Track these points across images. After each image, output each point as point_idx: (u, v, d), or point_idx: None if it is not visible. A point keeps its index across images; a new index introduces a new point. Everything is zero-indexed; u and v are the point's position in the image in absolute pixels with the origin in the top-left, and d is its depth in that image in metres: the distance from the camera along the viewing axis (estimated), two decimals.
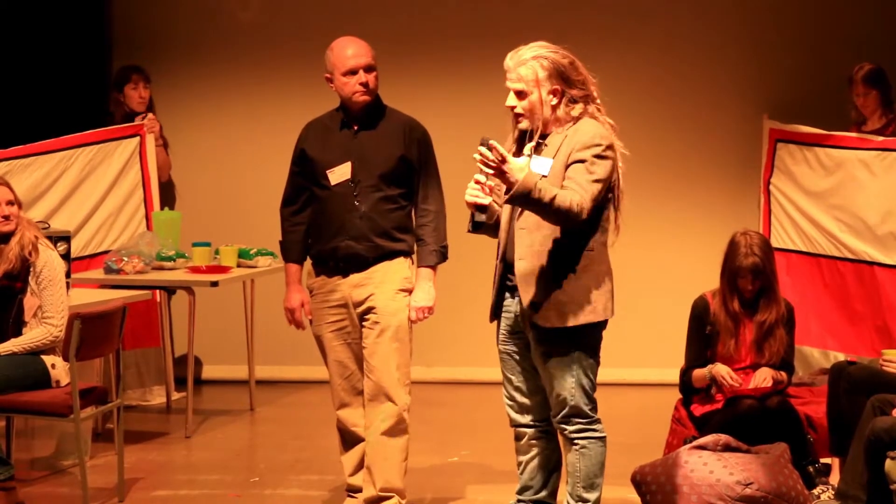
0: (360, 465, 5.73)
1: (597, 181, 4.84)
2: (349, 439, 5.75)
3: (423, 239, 5.65)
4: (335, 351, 5.69)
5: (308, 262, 5.77)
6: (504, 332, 5.13)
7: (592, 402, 5.04)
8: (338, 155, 5.63)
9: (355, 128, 5.64)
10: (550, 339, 4.95)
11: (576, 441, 5.02)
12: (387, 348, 5.56)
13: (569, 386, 4.97)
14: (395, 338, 5.57)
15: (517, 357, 5.11)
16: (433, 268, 5.64)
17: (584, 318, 4.93)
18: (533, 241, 4.92)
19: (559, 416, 5.02)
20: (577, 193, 4.78)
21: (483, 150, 4.67)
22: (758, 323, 6.07)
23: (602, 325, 5.03)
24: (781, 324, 6.08)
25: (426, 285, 5.62)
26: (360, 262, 5.59)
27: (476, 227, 5.01)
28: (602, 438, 5.05)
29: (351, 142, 5.63)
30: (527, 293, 4.93)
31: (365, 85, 5.56)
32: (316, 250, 5.69)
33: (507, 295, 5.07)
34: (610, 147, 4.89)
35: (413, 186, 5.66)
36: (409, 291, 5.63)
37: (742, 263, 6.01)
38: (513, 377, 5.15)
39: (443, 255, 5.66)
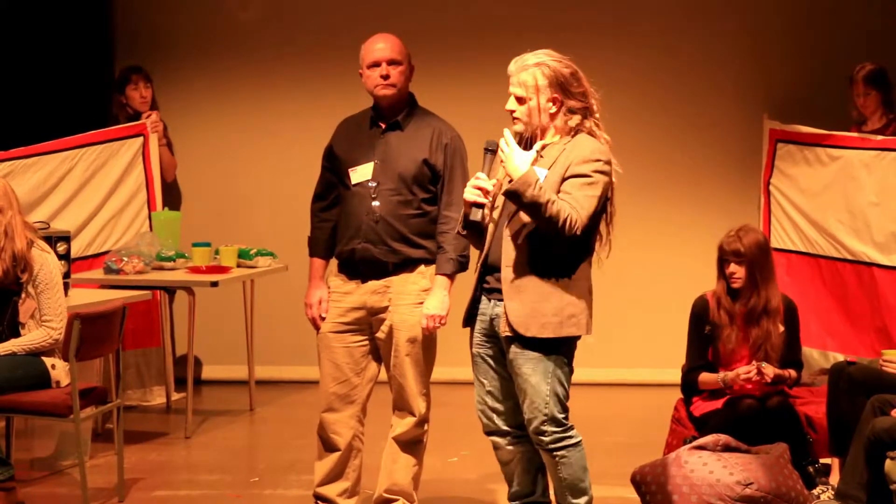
0: (332, 476, 5.62)
1: (594, 197, 4.83)
2: (327, 445, 5.62)
3: (443, 246, 5.48)
4: (333, 352, 5.58)
5: (334, 260, 5.66)
6: (479, 334, 5.06)
7: (566, 410, 4.96)
8: (362, 154, 5.53)
9: (382, 126, 5.54)
10: (529, 347, 4.90)
11: (555, 453, 4.95)
12: (405, 362, 5.50)
13: (544, 394, 4.90)
14: (414, 351, 5.49)
15: (491, 361, 5.06)
16: (450, 276, 5.48)
17: (567, 330, 4.88)
18: (522, 248, 4.88)
19: (533, 427, 4.93)
20: (574, 209, 4.77)
21: (479, 182, 4.81)
22: (742, 314, 6.09)
23: (579, 336, 4.99)
24: (771, 316, 6.09)
25: (440, 293, 5.46)
26: (379, 269, 5.50)
27: (468, 226, 4.94)
28: (578, 443, 4.97)
29: (376, 141, 5.52)
30: (512, 301, 4.88)
31: (385, 77, 5.45)
32: (338, 250, 5.60)
33: (483, 298, 5.02)
34: (608, 163, 4.89)
35: (439, 192, 5.53)
36: None
37: (726, 247, 6.11)
38: (485, 381, 5.09)
39: (461, 265, 5.50)
